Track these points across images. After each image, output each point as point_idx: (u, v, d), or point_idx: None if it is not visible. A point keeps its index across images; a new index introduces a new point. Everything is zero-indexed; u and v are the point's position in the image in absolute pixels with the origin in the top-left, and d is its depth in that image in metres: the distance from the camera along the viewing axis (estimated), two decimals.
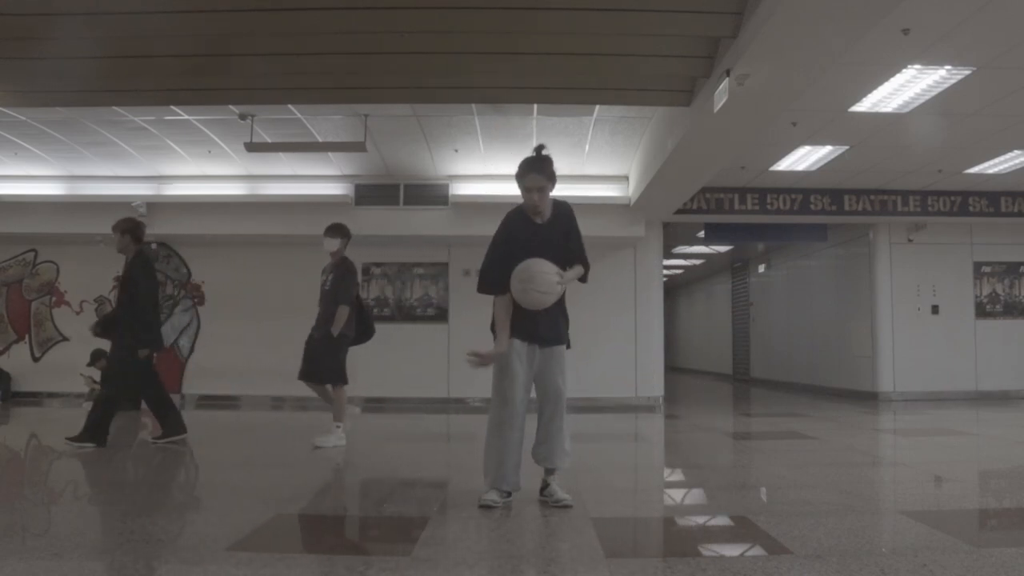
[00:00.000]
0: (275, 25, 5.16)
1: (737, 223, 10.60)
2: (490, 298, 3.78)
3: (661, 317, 10.85)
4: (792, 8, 4.15)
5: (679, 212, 10.04)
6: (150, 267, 5.98)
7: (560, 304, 3.76)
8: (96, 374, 9.38)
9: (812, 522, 3.30)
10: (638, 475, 5.39)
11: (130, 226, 5.96)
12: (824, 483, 4.42)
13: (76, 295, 11.16)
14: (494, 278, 3.67)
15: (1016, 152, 8.38)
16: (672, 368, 18.17)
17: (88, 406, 9.04)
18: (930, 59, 5.82)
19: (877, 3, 4.15)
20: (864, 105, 6.80)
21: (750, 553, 2.96)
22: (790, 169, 9.16)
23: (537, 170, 3.68)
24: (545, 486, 3.72)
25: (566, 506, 3.59)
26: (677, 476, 5.26)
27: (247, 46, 5.50)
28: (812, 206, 10.17)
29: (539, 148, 3.76)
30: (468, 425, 7.89)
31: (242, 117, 7.68)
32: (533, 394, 3.76)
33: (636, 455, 6.39)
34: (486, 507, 3.55)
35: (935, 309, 10.89)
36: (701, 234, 11.72)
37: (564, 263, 3.70)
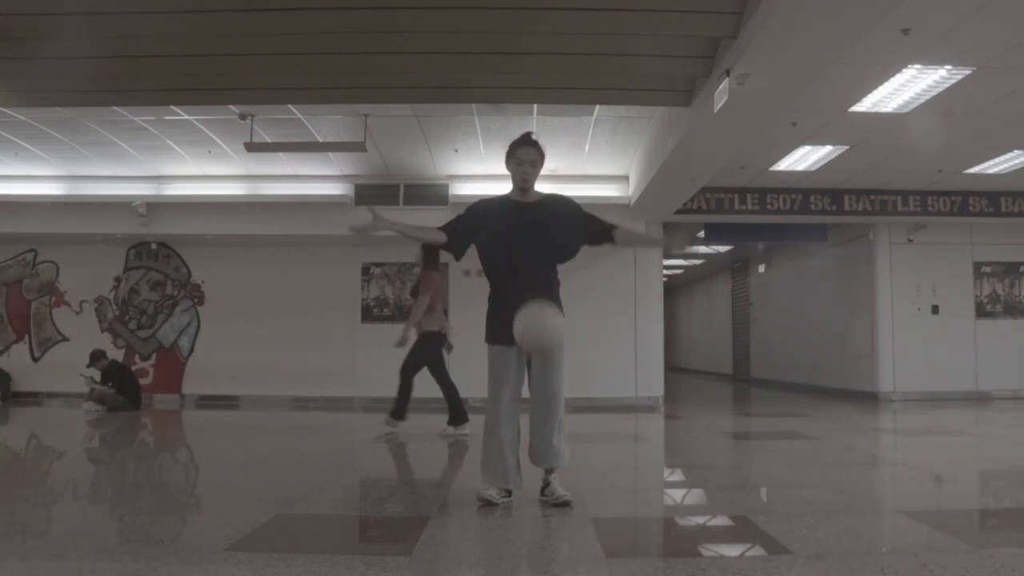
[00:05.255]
0: (275, 25, 5.15)
1: (737, 223, 10.59)
2: (487, 297, 3.80)
3: (661, 317, 10.84)
4: (792, 8, 4.15)
5: (679, 212, 10.03)
6: None
7: (552, 297, 3.69)
8: (96, 374, 9.39)
9: (812, 522, 3.29)
10: (638, 475, 5.39)
11: None
12: (824, 483, 4.41)
13: (76, 295, 11.16)
14: (454, 237, 3.77)
15: (1016, 152, 8.38)
16: (672, 368, 18.16)
17: (89, 406, 9.11)
18: (930, 59, 5.82)
19: (877, 3, 4.15)
20: (864, 105, 6.80)
21: (750, 553, 2.96)
22: (790, 169, 9.16)
23: (531, 145, 3.74)
24: (546, 485, 3.71)
25: (566, 503, 3.58)
26: (677, 476, 5.25)
27: (247, 46, 5.49)
28: (812, 206, 10.17)
29: (528, 133, 3.82)
30: (468, 425, 7.87)
31: (242, 117, 7.68)
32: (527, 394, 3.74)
33: (636, 455, 6.38)
34: (485, 502, 3.55)
35: (935, 309, 10.88)
36: (701, 234, 11.72)
37: (554, 248, 3.69)
